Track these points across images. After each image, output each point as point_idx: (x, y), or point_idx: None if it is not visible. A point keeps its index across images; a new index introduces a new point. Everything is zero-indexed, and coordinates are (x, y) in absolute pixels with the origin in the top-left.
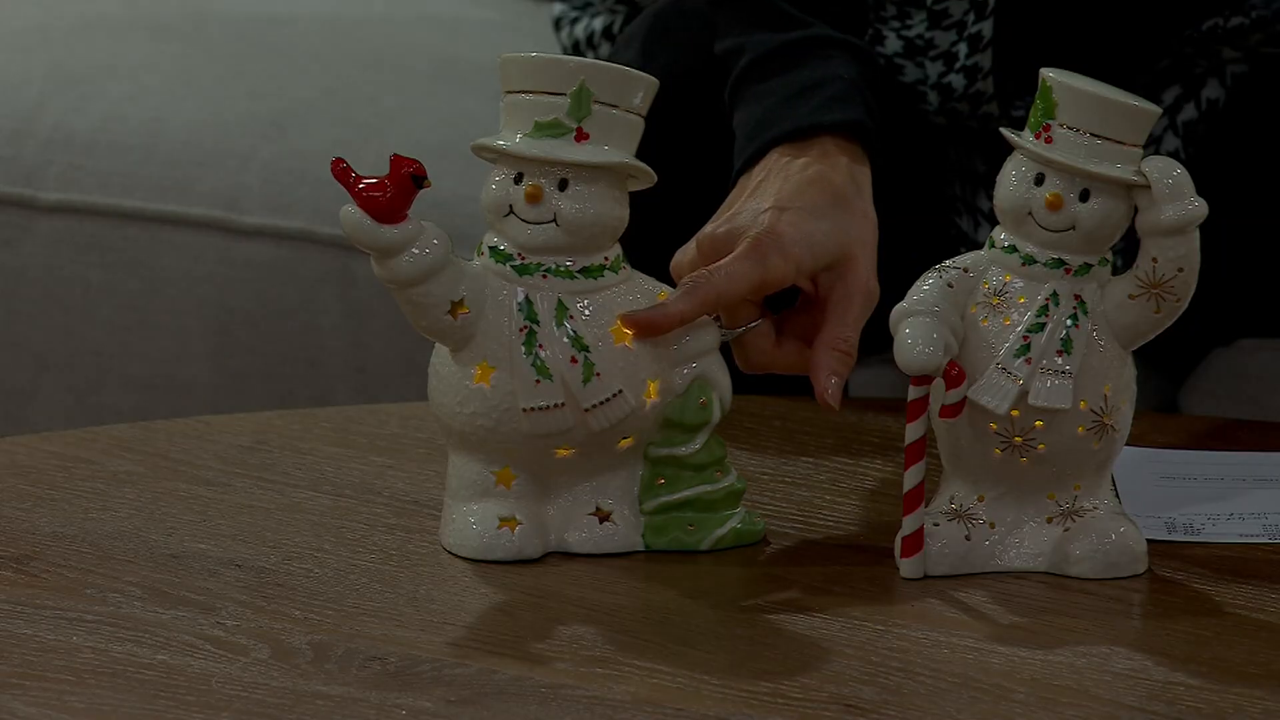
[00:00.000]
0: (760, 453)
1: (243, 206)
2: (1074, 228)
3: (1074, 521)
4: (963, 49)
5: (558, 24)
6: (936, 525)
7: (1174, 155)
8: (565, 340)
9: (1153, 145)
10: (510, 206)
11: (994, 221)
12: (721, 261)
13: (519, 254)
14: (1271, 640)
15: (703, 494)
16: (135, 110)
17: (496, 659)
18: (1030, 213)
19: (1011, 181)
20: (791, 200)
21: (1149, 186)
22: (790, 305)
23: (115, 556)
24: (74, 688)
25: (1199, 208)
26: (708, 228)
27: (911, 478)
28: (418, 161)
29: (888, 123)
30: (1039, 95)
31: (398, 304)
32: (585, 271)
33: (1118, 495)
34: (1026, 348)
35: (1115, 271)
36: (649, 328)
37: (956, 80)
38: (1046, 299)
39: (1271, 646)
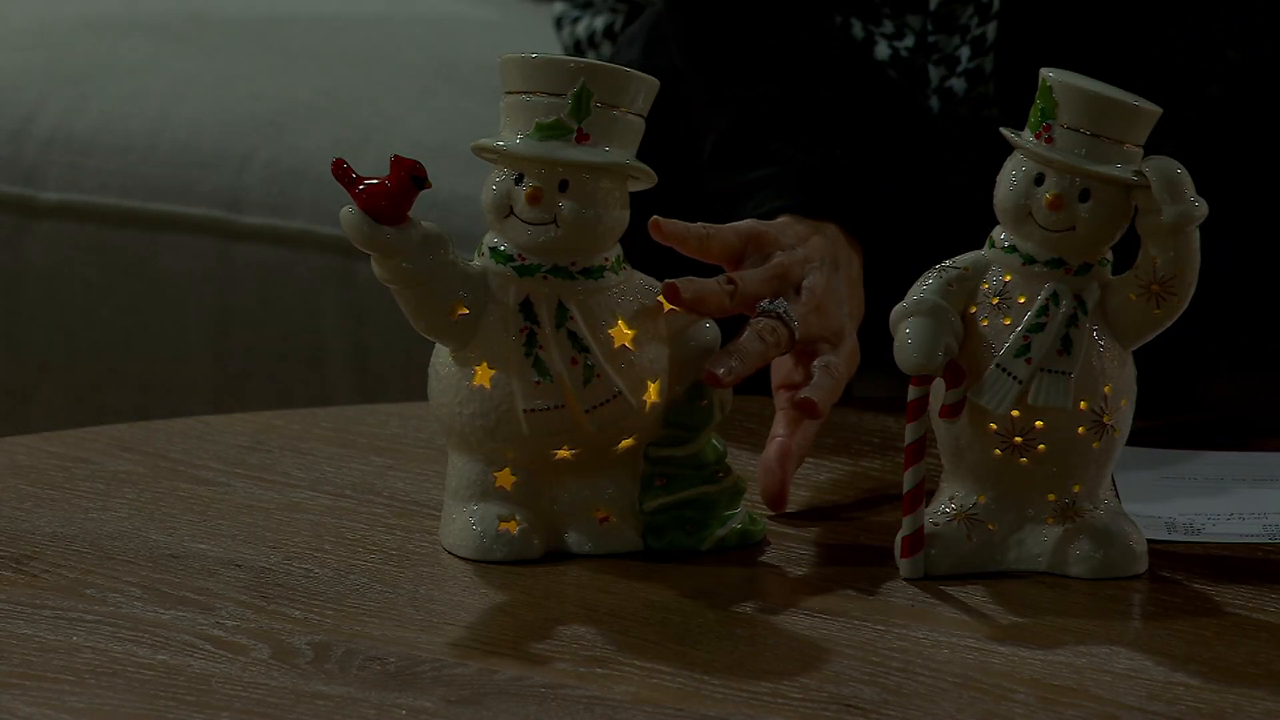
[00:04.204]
0: (760, 453)
1: (243, 206)
2: (1074, 228)
3: (1074, 521)
4: (965, 52)
5: (558, 24)
6: (936, 525)
7: (1174, 155)
8: (565, 341)
9: (1153, 145)
10: (511, 207)
11: (994, 221)
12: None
13: (519, 255)
14: (1271, 640)
15: (703, 494)
16: (135, 110)
17: (496, 659)
18: (1030, 213)
19: (1011, 181)
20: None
21: (1149, 186)
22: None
23: (115, 556)
24: (74, 688)
25: (1199, 208)
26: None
27: (911, 478)
28: (418, 162)
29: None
30: (1039, 95)
31: (398, 304)
32: (586, 272)
33: (1118, 495)
34: (1026, 348)
35: (1115, 271)
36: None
37: (958, 84)
38: (1046, 299)
39: (1271, 646)
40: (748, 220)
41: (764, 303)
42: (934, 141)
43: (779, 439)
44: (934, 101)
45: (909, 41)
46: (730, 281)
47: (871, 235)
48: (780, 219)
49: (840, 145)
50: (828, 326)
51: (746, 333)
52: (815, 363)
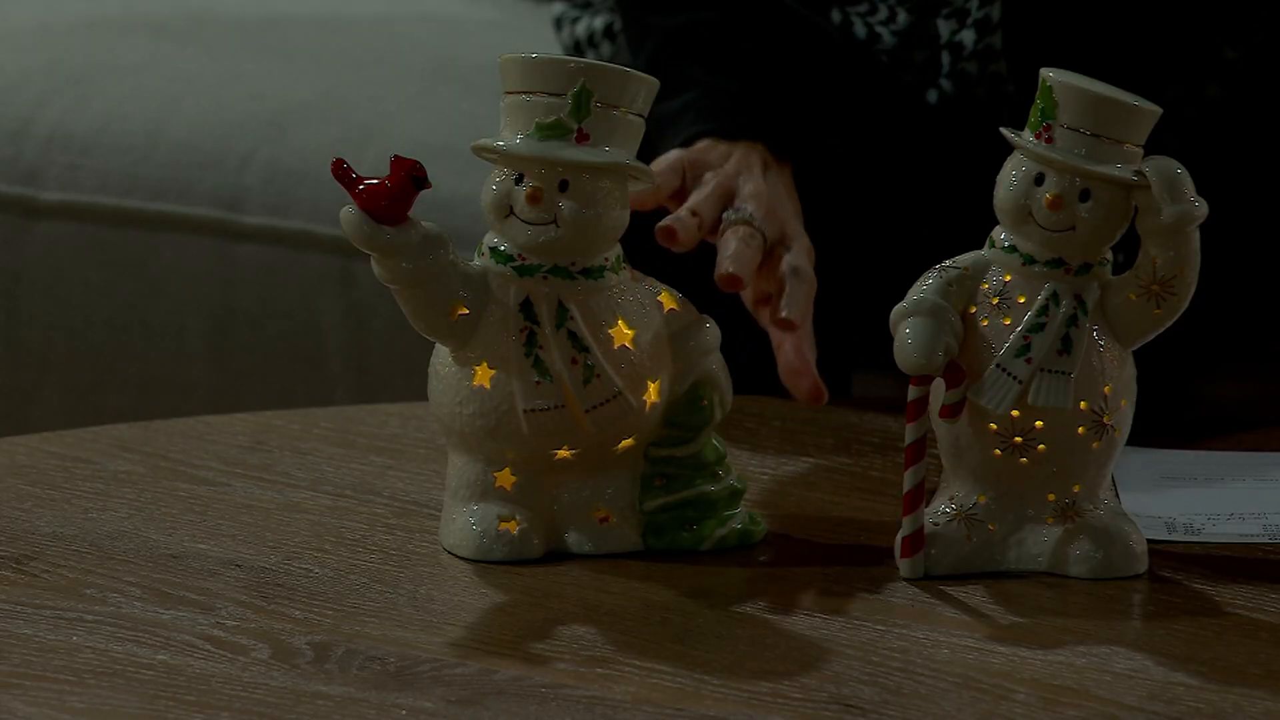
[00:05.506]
0: (760, 453)
1: (243, 206)
2: (1074, 228)
3: (1074, 521)
4: (974, 2)
5: (558, 24)
6: (937, 525)
7: (1174, 155)
8: (565, 341)
9: (1153, 145)
10: (511, 207)
11: (994, 221)
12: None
13: (519, 255)
14: (1271, 640)
15: (703, 494)
16: (135, 110)
17: (496, 659)
18: (1030, 213)
19: (1011, 181)
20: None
21: (1149, 186)
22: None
23: (115, 556)
24: (74, 688)
25: (1199, 208)
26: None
27: (911, 478)
28: (418, 162)
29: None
30: (1039, 95)
31: (398, 304)
32: (586, 272)
33: (1118, 495)
34: (1027, 348)
35: (1115, 271)
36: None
37: (967, 36)
38: (1046, 299)
39: (1271, 646)
40: (673, 153)
41: (727, 214)
42: (927, 127)
43: (786, 344)
44: (944, 57)
45: (902, 22)
46: (694, 214)
47: (796, 152)
48: (701, 143)
49: (758, 69)
50: (778, 227)
51: (731, 243)
52: (783, 268)
